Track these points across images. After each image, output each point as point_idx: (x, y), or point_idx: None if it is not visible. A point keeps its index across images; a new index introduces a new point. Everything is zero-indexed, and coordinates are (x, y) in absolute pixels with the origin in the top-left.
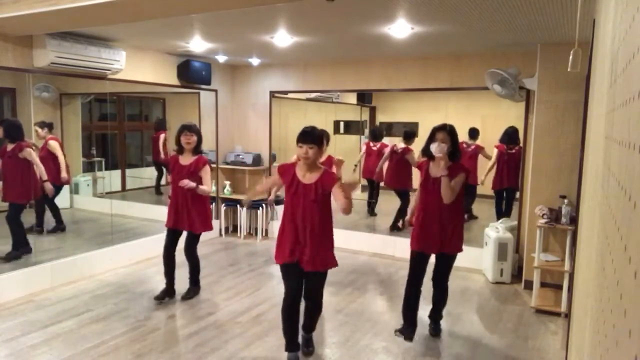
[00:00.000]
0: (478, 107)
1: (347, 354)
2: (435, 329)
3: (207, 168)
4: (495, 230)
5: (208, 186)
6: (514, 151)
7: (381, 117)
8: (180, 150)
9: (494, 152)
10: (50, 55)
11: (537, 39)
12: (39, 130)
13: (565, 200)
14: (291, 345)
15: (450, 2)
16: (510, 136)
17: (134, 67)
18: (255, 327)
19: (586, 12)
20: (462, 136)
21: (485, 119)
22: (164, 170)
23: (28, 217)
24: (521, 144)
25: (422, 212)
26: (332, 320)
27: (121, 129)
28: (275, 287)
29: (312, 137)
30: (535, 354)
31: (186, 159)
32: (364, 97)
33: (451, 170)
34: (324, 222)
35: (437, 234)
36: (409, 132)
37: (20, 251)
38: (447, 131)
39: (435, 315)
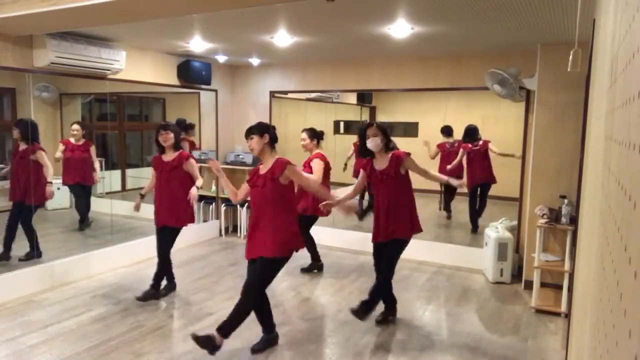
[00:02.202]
0: (478, 107)
1: (347, 354)
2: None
3: (191, 161)
4: (495, 230)
5: (198, 178)
6: (478, 147)
7: (381, 117)
8: (162, 150)
9: (460, 154)
10: (50, 55)
11: (537, 39)
12: (81, 130)
13: (565, 200)
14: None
15: (450, 2)
16: (470, 134)
17: (134, 67)
18: (255, 327)
19: (586, 12)
20: (461, 136)
21: (485, 119)
22: None
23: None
24: (483, 139)
25: (376, 208)
26: (332, 320)
27: (121, 129)
28: (275, 288)
29: (248, 131)
30: (535, 354)
31: (168, 156)
32: (364, 97)
33: (392, 160)
34: (276, 209)
35: (386, 222)
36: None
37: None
38: (376, 126)
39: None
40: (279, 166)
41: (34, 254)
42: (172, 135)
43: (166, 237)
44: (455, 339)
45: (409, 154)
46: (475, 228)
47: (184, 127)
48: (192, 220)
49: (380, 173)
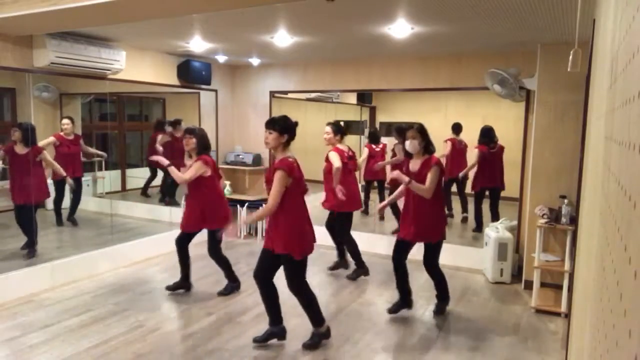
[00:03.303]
0: (478, 107)
1: (347, 354)
2: (436, 308)
3: (197, 162)
4: (495, 230)
5: (185, 174)
6: (495, 150)
7: (381, 117)
8: (189, 155)
9: (474, 153)
10: (50, 55)
11: (537, 39)
12: (71, 124)
13: (565, 200)
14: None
15: (450, 2)
16: (488, 135)
17: (134, 67)
18: (255, 327)
19: (586, 12)
20: (464, 136)
21: (485, 119)
22: (158, 172)
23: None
24: (499, 142)
25: (404, 203)
26: (332, 320)
27: (121, 129)
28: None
29: (271, 123)
30: (535, 354)
31: (190, 161)
32: (364, 97)
33: (424, 164)
34: (279, 208)
35: (413, 223)
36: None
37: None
38: (415, 129)
39: (437, 296)
40: (275, 166)
41: (32, 252)
42: (193, 140)
43: (209, 240)
44: (455, 339)
45: (436, 164)
46: (479, 227)
47: (171, 124)
48: (228, 222)
49: (412, 174)
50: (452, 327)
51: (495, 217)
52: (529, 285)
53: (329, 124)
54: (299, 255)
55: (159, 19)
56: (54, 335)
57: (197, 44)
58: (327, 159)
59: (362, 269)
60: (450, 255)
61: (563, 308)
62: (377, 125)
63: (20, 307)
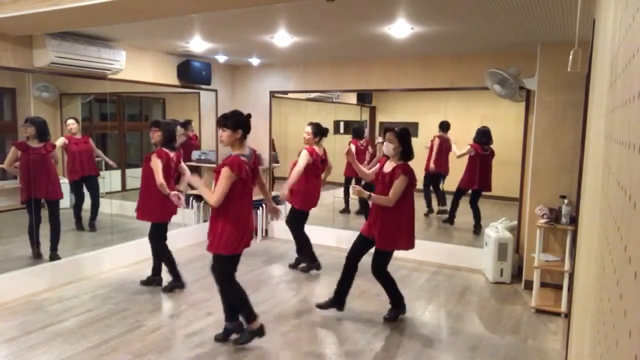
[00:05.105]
0: (478, 107)
1: (347, 354)
2: (387, 314)
3: (153, 159)
4: (495, 230)
5: (157, 180)
6: (487, 152)
7: (381, 117)
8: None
9: (466, 149)
10: (50, 55)
11: (537, 39)
12: (77, 124)
13: (565, 200)
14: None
15: (451, 2)
16: (486, 136)
17: (134, 67)
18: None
19: (586, 12)
20: (461, 136)
21: (485, 119)
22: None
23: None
24: (492, 145)
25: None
26: (332, 320)
27: (121, 129)
28: (275, 287)
29: (223, 119)
30: (535, 354)
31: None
32: (364, 97)
33: (394, 170)
34: (217, 207)
35: (371, 221)
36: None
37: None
38: (394, 133)
39: (390, 302)
40: (224, 162)
41: (56, 252)
42: (158, 133)
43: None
44: (455, 339)
45: (404, 174)
46: (451, 220)
47: (182, 125)
48: (155, 218)
49: (382, 174)
50: (452, 327)
51: (476, 213)
52: (529, 285)
53: (310, 124)
54: (227, 251)
55: (159, 19)
56: (54, 335)
57: (197, 44)
58: (298, 156)
59: (314, 263)
60: (450, 255)
61: (563, 308)
62: (377, 125)
63: (20, 307)
